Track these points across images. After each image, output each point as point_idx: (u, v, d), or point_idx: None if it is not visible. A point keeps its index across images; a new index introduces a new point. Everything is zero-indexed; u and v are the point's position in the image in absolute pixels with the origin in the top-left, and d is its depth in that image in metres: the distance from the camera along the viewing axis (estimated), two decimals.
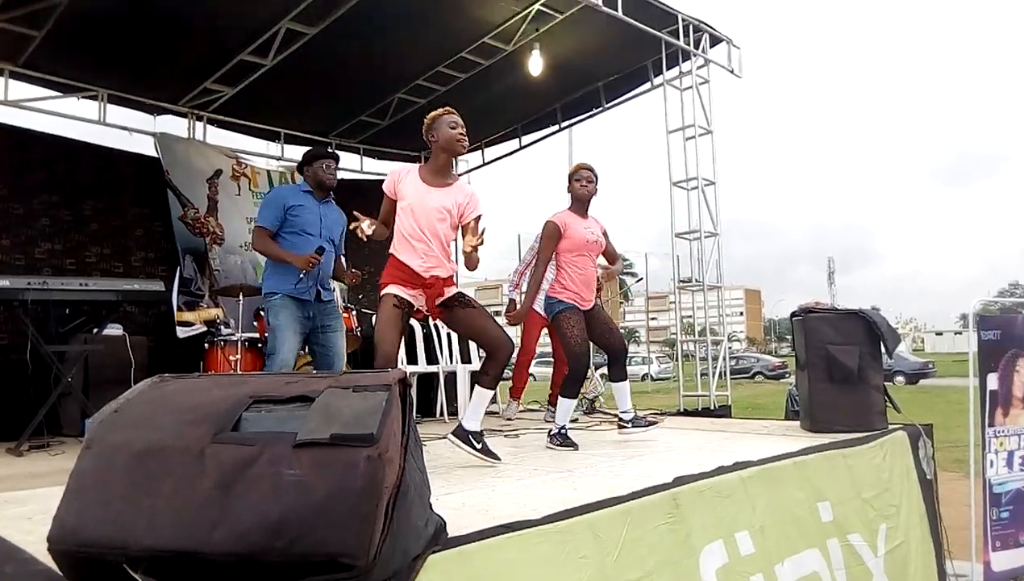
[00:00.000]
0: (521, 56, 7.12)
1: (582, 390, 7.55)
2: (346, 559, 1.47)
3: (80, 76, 6.71)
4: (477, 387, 3.62)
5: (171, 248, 7.15)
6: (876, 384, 4.44)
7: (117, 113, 7.13)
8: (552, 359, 6.37)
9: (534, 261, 5.74)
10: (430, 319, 5.04)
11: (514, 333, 5.17)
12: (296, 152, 8.61)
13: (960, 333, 52.01)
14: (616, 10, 6.22)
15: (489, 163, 9.57)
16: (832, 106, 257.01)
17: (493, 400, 6.00)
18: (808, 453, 3.63)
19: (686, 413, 6.89)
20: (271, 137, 8.35)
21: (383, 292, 3.49)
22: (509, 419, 5.64)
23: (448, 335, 6.46)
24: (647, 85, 7.91)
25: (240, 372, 5.17)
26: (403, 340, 5.86)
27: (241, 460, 1.55)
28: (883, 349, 4.50)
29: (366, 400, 1.65)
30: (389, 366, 3.35)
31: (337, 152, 4.57)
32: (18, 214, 6.49)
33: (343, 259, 4.79)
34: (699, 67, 7.42)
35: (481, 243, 3.44)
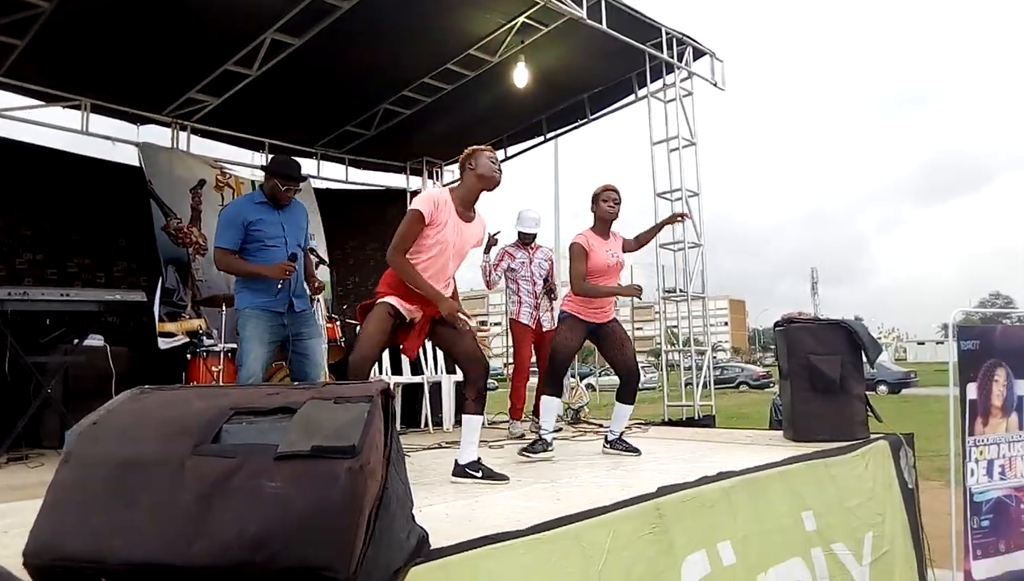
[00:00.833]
0: (506, 68, 7.15)
1: (568, 400, 7.58)
2: (327, 572, 1.46)
3: (63, 86, 6.67)
4: (464, 416, 3.49)
5: (153, 258, 7.10)
6: (858, 393, 4.47)
7: (100, 123, 7.10)
8: (534, 370, 6.35)
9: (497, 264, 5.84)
10: None
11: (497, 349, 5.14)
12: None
13: (941, 343, 52.52)
14: (601, 23, 6.27)
15: None
16: (815, 119, 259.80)
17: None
18: (791, 463, 3.65)
19: (671, 423, 6.91)
20: (255, 147, 8.33)
21: (381, 299, 3.40)
22: (522, 435, 5.62)
23: (433, 346, 6.45)
24: (631, 97, 7.97)
25: (222, 383, 5.14)
26: (387, 350, 5.89)
27: (221, 473, 1.54)
28: (864, 359, 4.54)
29: (348, 412, 1.64)
30: (364, 364, 3.28)
31: (302, 174, 4.40)
32: None
33: (312, 257, 4.72)
34: (683, 80, 7.48)
35: None
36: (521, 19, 6.50)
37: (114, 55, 6.25)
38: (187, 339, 6.30)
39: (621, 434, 4.45)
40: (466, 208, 3.49)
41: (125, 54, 6.25)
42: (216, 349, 5.41)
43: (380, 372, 5.75)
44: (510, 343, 6.15)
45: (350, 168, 9.15)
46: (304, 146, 8.67)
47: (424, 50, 6.87)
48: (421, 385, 6.30)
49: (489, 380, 3.62)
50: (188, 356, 5.77)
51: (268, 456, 1.56)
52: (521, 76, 7.16)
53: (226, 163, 8.03)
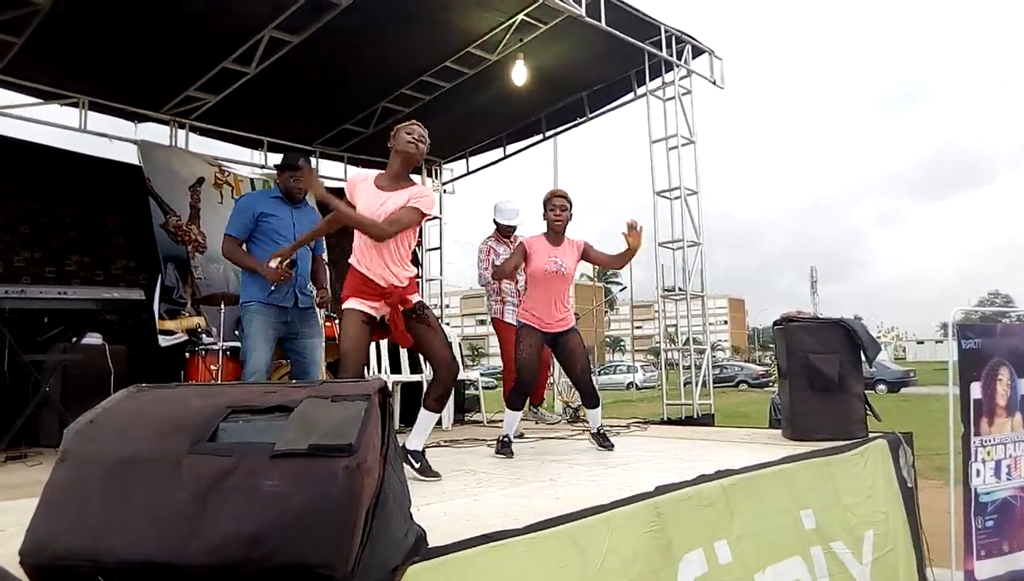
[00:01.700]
0: (505, 66, 7.15)
1: (566, 399, 7.57)
2: (324, 570, 1.45)
3: (61, 83, 6.67)
4: (422, 409, 3.50)
5: (152, 256, 7.09)
6: (857, 392, 4.47)
7: (98, 120, 7.10)
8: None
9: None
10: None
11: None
12: (279, 160, 8.60)
13: (941, 342, 52.56)
14: (600, 21, 6.26)
15: (474, 172, 9.60)
16: (814, 115, 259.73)
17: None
18: (790, 461, 3.65)
19: (670, 422, 6.91)
20: (254, 145, 8.32)
21: (345, 306, 3.38)
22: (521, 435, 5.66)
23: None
24: (630, 95, 7.96)
25: (220, 381, 5.13)
26: (387, 349, 5.89)
27: (218, 471, 1.53)
28: (863, 358, 4.54)
29: (345, 410, 1.64)
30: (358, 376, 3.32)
31: (312, 160, 4.53)
32: None
33: (325, 260, 4.75)
34: (682, 78, 7.48)
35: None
36: (520, 17, 6.49)
37: (112, 52, 6.24)
38: (186, 337, 6.30)
39: (599, 430, 4.52)
40: (391, 180, 3.50)
41: (123, 51, 6.24)
42: (215, 347, 5.40)
43: (379, 371, 5.74)
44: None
45: (349, 166, 9.14)
46: (302, 144, 8.65)
47: (423, 48, 6.87)
48: (419, 383, 6.29)
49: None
50: (187, 354, 5.77)
51: (265, 454, 1.56)
52: (520, 74, 7.16)
53: (225, 161, 8.03)
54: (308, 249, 4.31)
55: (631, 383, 31.07)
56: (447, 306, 14.12)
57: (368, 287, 3.37)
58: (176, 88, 7.03)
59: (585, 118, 8.42)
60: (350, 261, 3.43)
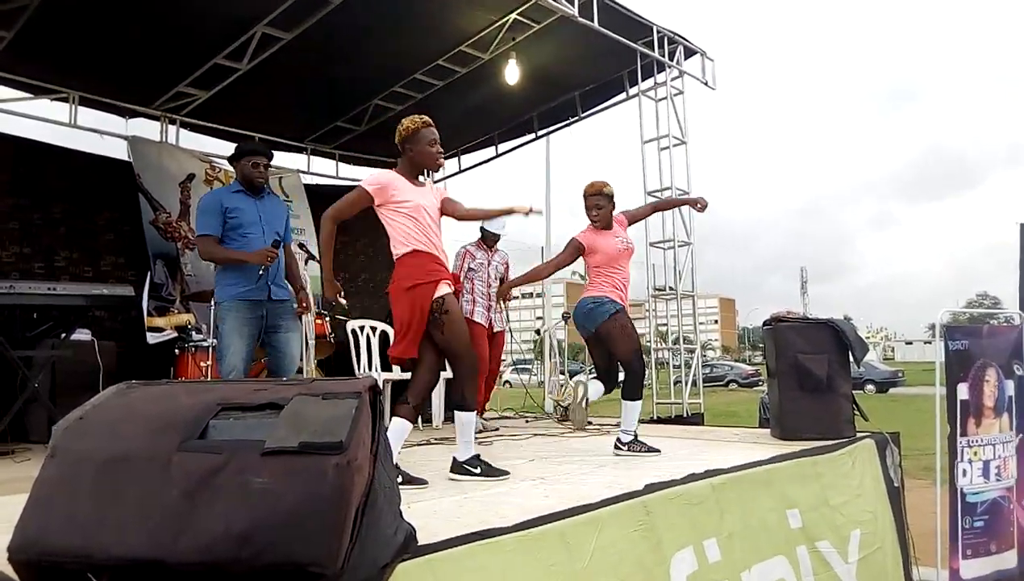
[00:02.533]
0: (498, 65, 7.15)
1: (556, 397, 7.59)
2: (314, 568, 1.46)
3: (51, 78, 6.62)
4: (456, 413, 3.40)
5: (142, 253, 7.06)
6: (845, 392, 4.50)
7: (88, 116, 7.06)
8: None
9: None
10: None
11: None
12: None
13: (929, 342, 52.84)
14: (592, 21, 6.27)
15: (465, 170, 9.59)
16: (805, 116, 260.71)
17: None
18: (778, 461, 3.67)
19: (659, 420, 6.93)
20: (245, 142, 8.28)
21: (442, 294, 3.25)
22: (481, 429, 5.62)
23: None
24: (622, 95, 7.98)
25: (210, 378, 5.12)
26: (378, 347, 5.89)
27: (208, 468, 1.53)
28: (852, 358, 4.57)
29: (335, 408, 1.64)
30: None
31: (269, 149, 4.43)
32: None
33: (298, 252, 4.72)
34: (673, 78, 7.50)
35: None
36: (513, 16, 6.50)
37: (102, 47, 6.21)
38: (176, 334, 6.26)
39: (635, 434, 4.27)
40: (414, 179, 3.45)
41: (114, 46, 6.20)
42: (205, 344, 5.37)
43: (369, 368, 5.74)
44: None
45: (340, 164, 9.12)
46: (294, 141, 8.65)
47: (415, 46, 6.86)
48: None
49: None
50: (177, 351, 5.74)
51: (255, 452, 1.56)
52: (512, 73, 7.16)
53: (216, 157, 7.98)
54: (279, 237, 4.25)
55: (621, 382, 31.07)
56: None
57: (446, 270, 3.37)
58: (167, 84, 6.99)
59: (577, 118, 8.44)
60: (417, 246, 3.30)
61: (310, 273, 5.62)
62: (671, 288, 7.55)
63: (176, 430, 1.63)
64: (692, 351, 7.58)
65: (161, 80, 6.95)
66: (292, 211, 8.21)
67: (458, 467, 3.33)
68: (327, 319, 6.10)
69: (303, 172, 8.75)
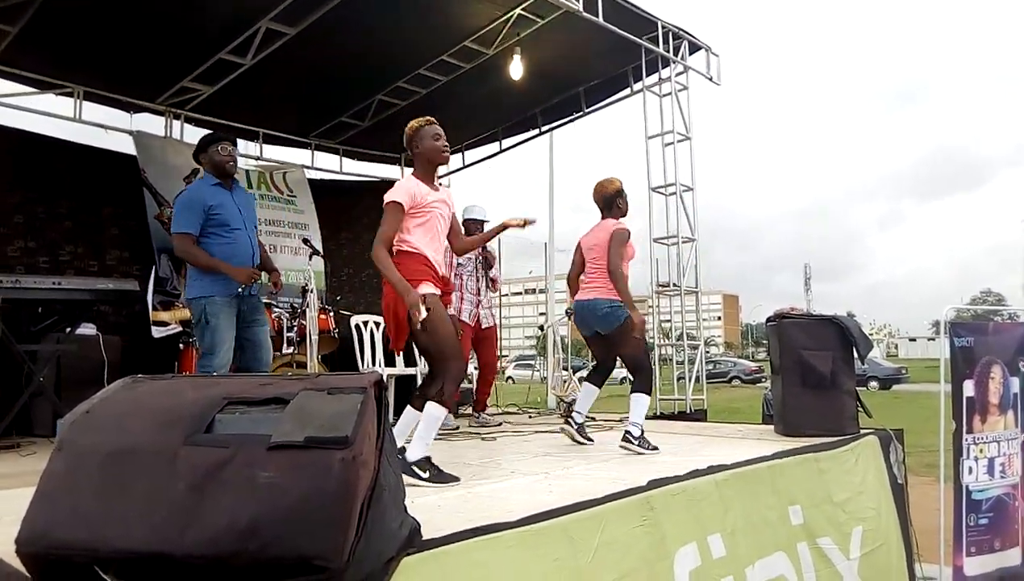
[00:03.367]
0: (502, 60, 7.13)
1: (560, 393, 7.59)
2: (319, 561, 1.47)
3: (56, 73, 6.63)
4: (428, 404, 3.23)
5: (147, 247, 7.07)
6: (848, 389, 4.50)
7: (93, 110, 7.06)
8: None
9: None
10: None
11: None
12: (275, 152, 8.56)
13: (933, 339, 52.76)
14: (597, 16, 6.26)
15: (469, 166, 9.59)
16: (812, 113, 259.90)
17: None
18: (781, 457, 3.67)
19: (663, 416, 6.93)
20: (250, 137, 8.29)
21: (424, 291, 3.19)
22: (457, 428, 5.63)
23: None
24: (627, 91, 7.96)
25: (215, 373, 5.13)
26: (382, 342, 5.89)
27: (214, 462, 1.54)
28: (856, 354, 4.56)
29: (341, 402, 1.65)
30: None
31: (233, 136, 4.37)
32: None
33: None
34: (678, 74, 7.47)
35: None
36: (517, 11, 6.48)
37: (107, 42, 6.21)
38: (180, 328, 6.28)
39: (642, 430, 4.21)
40: (428, 181, 3.46)
41: (118, 41, 6.20)
42: None
43: (373, 364, 5.75)
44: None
45: (344, 159, 9.12)
46: (298, 136, 8.65)
47: (419, 41, 6.85)
48: (414, 377, 6.29)
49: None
50: (181, 345, 5.76)
51: (261, 446, 1.56)
52: (516, 69, 7.15)
53: None
54: (255, 233, 4.23)
55: (624, 378, 31.09)
56: None
57: (434, 272, 3.33)
58: (172, 79, 6.99)
59: (581, 113, 8.42)
60: (404, 247, 3.28)
61: (314, 268, 5.64)
62: (675, 284, 7.54)
63: (182, 424, 1.63)
64: (695, 347, 7.58)
65: (166, 75, 6.95)
66: (296, 206, 8.26)
67: (406, 467, 2.98)
68: (331, 314, 6.11)
69: (307, 167, 8.76)
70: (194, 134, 7.75)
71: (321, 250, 7.15)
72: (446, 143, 3.49)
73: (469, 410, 6.52)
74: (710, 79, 7.65)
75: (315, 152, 8.88)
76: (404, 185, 3.36)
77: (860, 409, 4.52)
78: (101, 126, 7.15)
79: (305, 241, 6.01)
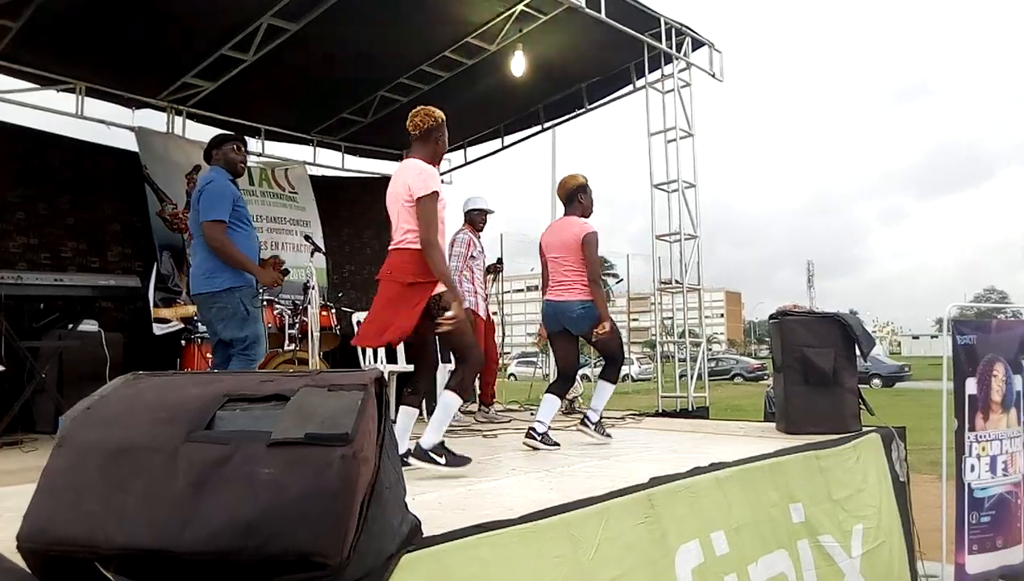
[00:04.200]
0: (504, 56, 7.13)
1: None
2: (319, 558, 1.46)
3: (58, 69, 6.64)
4: (445, 392, 3.32)
5: (148, 244, 7.08)
6: (850, 387, 4.48)
7: (95, 107, 7.07)
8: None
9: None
10: None
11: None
12: (277, 149, 8.56)
13: (936, 337, 52.66)
14: (599, 12, 6.24)
15: (471, 162, 9.59)
16: (816, 109, 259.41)
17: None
18: (782, 455, 3.67)
19: (664, 414, 6.93)
20: (251, 133, 8.29)
21: (440, 292, 3.22)
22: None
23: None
24: (629, 87, 7.95)
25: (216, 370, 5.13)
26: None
27: (214, 459, 1.54)
28: (858, 352, 4.55)
29: (341, 399, 1.64)
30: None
31: (244, 139, 4.36)
32: None
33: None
34: (681, 70, 7.46)
35: None
36: (520, 7, 6.47)
37: (109, 38, 6.21)
38: (182, 325, 6.30)
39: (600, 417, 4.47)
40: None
41: (121, 38, 6.21)
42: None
43: (375, 360, 5.75)
44: None
45: (346, 155, 9.12)
46: (300, 132, 8.65)
47: (421, 37, 6.84)
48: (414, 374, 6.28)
49: None
50: (183, 342, 5.77)
51: (261, 443, 1.56)
52: (519, 65, 7.14)
53: None
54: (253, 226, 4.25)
55: (627, 375, 31.09)
56: None
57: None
58: (174, 75, 7.00)
59: (584, 109, 8.41)
60: (415, 247, 3.27)
61: (316, 265, 5.64)
62: (677, 281, 7.53)
63: (183, 421, 1.63)
64: (697, 345, 7.57)
65: (168, 71, 6.95)
66: (298, 203, 8.27)
67: (423, 454, 3.15)
68: (333, 311, 6.11)
69: (309, 163, 8.76)
70: (196, 130, 7.78)
71: (323, 247, 7.15)
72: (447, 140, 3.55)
73: (471, 407, 6.53)
74: (713, 75, 7.64)
75: (317, 148, 8.88)
76: (434, 174, 3.32)
77: (862, 407, 4.51)
78: (103, 122, 7.15)
79: (307, 238, 6.01)
